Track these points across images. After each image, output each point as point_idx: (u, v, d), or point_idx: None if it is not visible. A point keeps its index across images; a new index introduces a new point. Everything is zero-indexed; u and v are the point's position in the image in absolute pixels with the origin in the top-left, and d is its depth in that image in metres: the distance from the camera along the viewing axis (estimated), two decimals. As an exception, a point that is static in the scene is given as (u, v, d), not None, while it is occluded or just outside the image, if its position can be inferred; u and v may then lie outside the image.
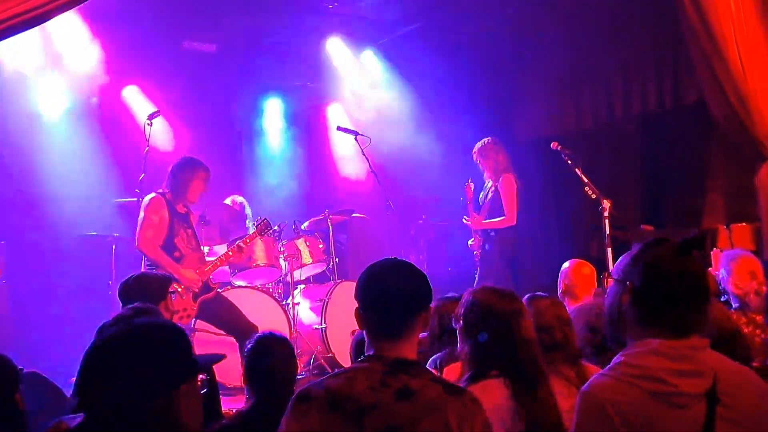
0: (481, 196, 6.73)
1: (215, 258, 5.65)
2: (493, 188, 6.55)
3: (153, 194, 5.42)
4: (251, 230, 6.82)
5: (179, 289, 5.24)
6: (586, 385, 1.93)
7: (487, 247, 6.49)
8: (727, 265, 4.34)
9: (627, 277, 1.98)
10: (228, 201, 7.26)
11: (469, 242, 6.67)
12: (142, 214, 5.35)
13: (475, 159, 6.66)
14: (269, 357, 3.02)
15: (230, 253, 5.66)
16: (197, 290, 5.37)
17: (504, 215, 6.40)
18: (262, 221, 5.98)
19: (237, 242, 5.76)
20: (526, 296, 3.02)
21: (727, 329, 2.92)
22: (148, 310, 3.15)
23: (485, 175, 6.66)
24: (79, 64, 7.28)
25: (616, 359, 1.93)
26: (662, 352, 1.86)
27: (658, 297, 1.93)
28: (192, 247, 5.49)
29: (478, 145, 6.63)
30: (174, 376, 1.78)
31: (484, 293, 2.70)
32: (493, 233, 6.47)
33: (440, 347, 3.28)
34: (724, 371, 1.88)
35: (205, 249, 5.95)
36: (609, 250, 5.37)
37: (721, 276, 4.36)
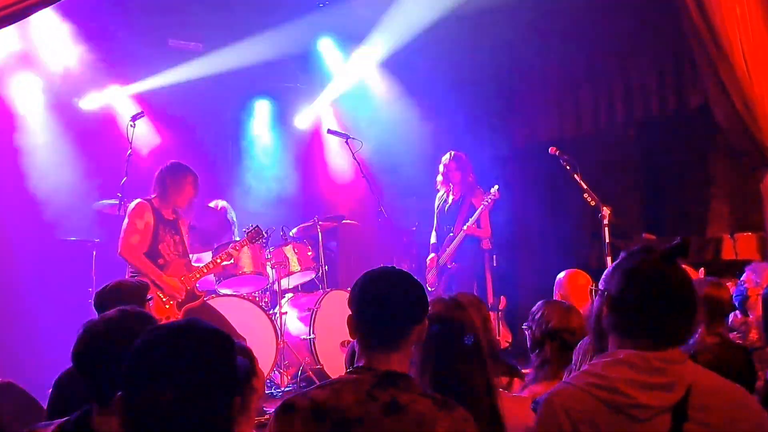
0: (438, 205, 6.95)
1: (202, 265, 5.65)
2: (459, 200, 6.77)
3: (138, 200, 5.44)
4: (237, 237, 6.82)
5: (164, 298, 5.25)
6: (548, 391, 1.95)
7: (463, 261, 6.69)
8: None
9: (607, 286, 1.99)
10: (211, 205, 7.24)
11: (428, 275, 6.85)
12: (126, 220, 5.38)
13: (446, 168, 6.80)
14: None
15: (219, 260, 5.66)
16: (181, 298, 5.38)
17: (479, 226, 6.63)
18: (254, 228, 5.98)
19: (227, 249, 5.76)
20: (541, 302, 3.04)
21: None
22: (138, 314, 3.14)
23: (449, 187, 6.86)
24: (60, 62, 7.26)
25: (583, 367, 1.96)
26: (630, 362, 1.86)
27: (633, 306, 1.93)
28: (178, 253, 5.50)
29: (454, 155, 6.80)
30: (231, 384, 1.62)
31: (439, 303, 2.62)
32: (475, 243, 6.66)
33: None
34: (701, 386, 1.87)
35: (192, 257, 5.94)
36: (609, 259, 5.36)
37: (741, 289, 4.26)
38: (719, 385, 1.94)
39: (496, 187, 6.62)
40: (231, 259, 5.71)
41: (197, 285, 5.55)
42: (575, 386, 1.90)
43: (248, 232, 5.97)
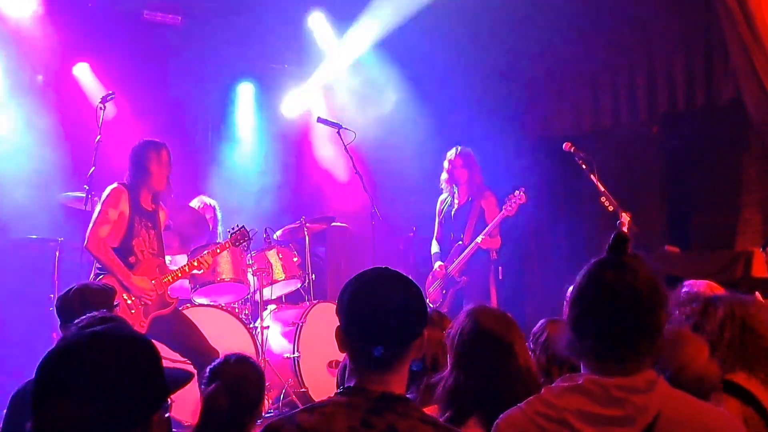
0: (442, 209, 6.95)
1: (176, 268, 5.61)
2: (467, 204, 6.76)
3: (115, 184, 5.35)
4: (222, 238, 6.80)
5: (129, 302, 5.20)
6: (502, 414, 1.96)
7: (473, 274, 6.67)
8: None
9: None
10: (195, 203, 7.21)
11: (429, 289, 6.83)
12: (98, 207, 5.29)
13: (451, 165, 6.80)
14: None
15: (195, 263, 5.61)
16: (150, 303, 5.31)
17: (491, 235, 6.59)
18: (239, 230, 5.95)
19: (202, 253, 5.70)
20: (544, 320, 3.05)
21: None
22: (114, 320, 3.15)
23: (455, 187, 6.86)
24: (21, 35, 7.23)
25: (542, 392, 1.95)
26: (587, 390, 1.84)
27: (582, 323, 1.92)
28: (153, 251, 5.44)
29: (461, 150, 6.78)
30: (150, 401, 1.63)
31: (484, 314, 2.70)
32: (486, 254, 6.64)
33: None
34: (669, 416, 1.83)
35: (167, 258, 5.92)
36: None
37: None
38: (692, 413, 1.88)
39: (522, 190, 6.50)
40: (202, 268, 5.65)
41: (168, 290, 5.49)
42: (524, 413, 1.91)
43: (232, 234, 5.94)
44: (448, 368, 2.69)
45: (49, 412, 1.53)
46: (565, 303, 1.99)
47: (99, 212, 5.26)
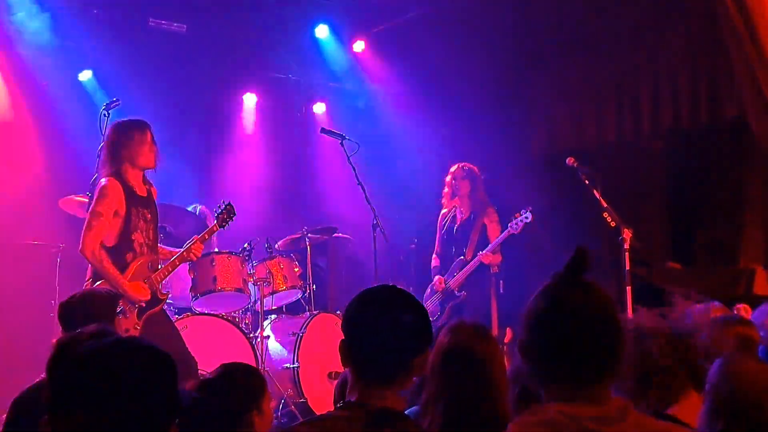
0: (443, 224, 6.97)
1: (169, 262, 5.41)
2: (470, 219, 6.80)
3: (104, 180, 5.10)
4: (216, 246, 6.82)
5: (125, 309, 5.08)
6: None
7: (474, 288, 6.72)
8: None
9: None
10: (189, 209, 7.23)
11: (427, 302, 6.83)
12: (92, 206, 5.07)
13: (454, 178, 6.83)
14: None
15: (184, 254, 5.42)
16: (144, 304, 5.18)
17: (494, 252, 6.62)
18: (225, 207, 5.77)
19: (195, 238, 5.51)
20: None
21: None
22: (108, 333, 3.16)
23: (455, 203, 6.88)
24: (27, 41, 7.27)
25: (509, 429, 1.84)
26: (558, 423, 1.74)
27: (550, 348, 1.84)
28: (149, 244, 5.28)
29: (463, 167, 6.82)
30: (168, 412, 1.63)
31: (461, 330, 2.69)
32: (486, 269, 6.69)
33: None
34: None
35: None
36: (628, 289, 5.35)
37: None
38: None
39: (529, 209, 6.48)
40: (192, 258, 5.48)
41: (160, 286, 5.32)
42: None
43: (218, 214, 5.77)
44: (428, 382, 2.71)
45: (68, 420, 1.52)
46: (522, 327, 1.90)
47: (93, 213, 5.03)
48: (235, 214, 5.83)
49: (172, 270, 5.45)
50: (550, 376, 1.84)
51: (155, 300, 5.28)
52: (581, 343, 1.81)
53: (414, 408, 3.07)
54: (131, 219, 5.12)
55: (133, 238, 5.15)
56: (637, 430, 1.81)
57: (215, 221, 5.80)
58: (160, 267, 5.36)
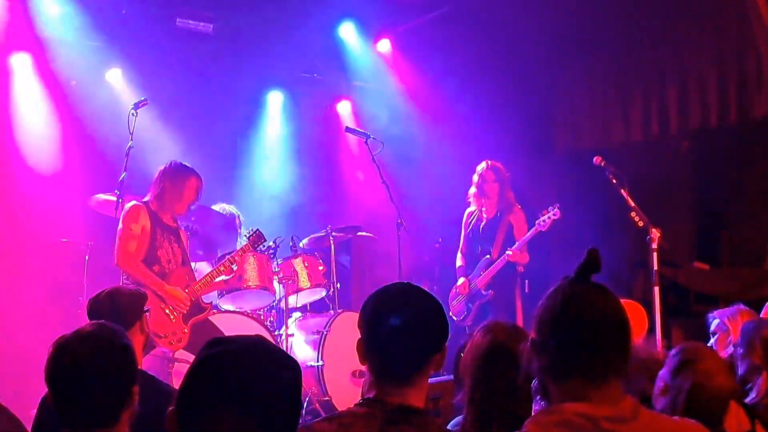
0: (469, 222, 6.95)
1: (206, 274, 5.70)
2: (496, 218, 6.78)
3: (133, 202, 5.49)
4: (241, 244, 6.90)
5: (167, 311, 5.34)
6: None
7: (500, 287, 6.69)
8: None
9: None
10: (216, 208, 7.30)
11: (453, 302, 6.84)
12: (120, 225, 5.42)
13: (482, 179, 6.80)
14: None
15: (221, 268, 5.69)
16: (186, 310, 5.45)
17: (521, 250, 6.59)
18: (254, 233, 5.99)
19: (227, 257, 5.81)
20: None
21: None
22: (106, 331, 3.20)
23: (482, 202, 6.86)
24: (56, 42, 7.37)
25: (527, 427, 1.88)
26: (576, 425, 1.80)
27: (567, 347, 1.89)
28: (177, 262, 5.57)
29: (491, 164, 6.79)
30: (297, 418, 1.60)
31: (498, 329, 2.70)
32: (513, 268, 6.66)
33: None
34: None
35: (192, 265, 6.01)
36: (656, 289, 5.29)
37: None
38: None
39: (557, 206, 6.44)
40: (229, 273, 5.72)
41: (202, 297, 5.62)
42: None
43: (249, 237, 5.98)
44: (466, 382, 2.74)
45: (204, 417, 1.51)
46: (534, 326, 1.96)
47: (122, 229, 5.38)
48: (265, 240, 6.07)
49: (211, 281, 5.69)
50: (562, 374, 1.89)
51: (199, 308, 5.56)
52: (591, 341, 1.87)
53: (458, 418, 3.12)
54: (156, 237, 5.44)
55: (159, 255, 5.45)
56: (650, 427, 1.86)
57: (247, 241, 5.97)
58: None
